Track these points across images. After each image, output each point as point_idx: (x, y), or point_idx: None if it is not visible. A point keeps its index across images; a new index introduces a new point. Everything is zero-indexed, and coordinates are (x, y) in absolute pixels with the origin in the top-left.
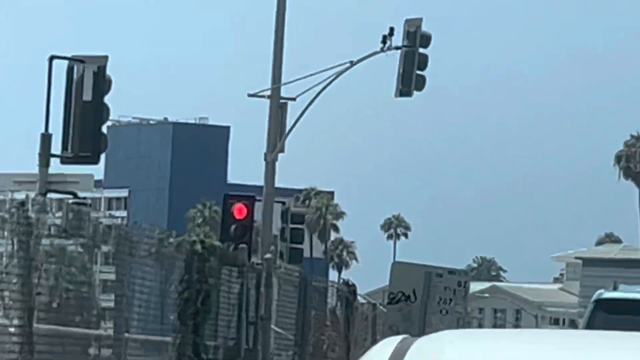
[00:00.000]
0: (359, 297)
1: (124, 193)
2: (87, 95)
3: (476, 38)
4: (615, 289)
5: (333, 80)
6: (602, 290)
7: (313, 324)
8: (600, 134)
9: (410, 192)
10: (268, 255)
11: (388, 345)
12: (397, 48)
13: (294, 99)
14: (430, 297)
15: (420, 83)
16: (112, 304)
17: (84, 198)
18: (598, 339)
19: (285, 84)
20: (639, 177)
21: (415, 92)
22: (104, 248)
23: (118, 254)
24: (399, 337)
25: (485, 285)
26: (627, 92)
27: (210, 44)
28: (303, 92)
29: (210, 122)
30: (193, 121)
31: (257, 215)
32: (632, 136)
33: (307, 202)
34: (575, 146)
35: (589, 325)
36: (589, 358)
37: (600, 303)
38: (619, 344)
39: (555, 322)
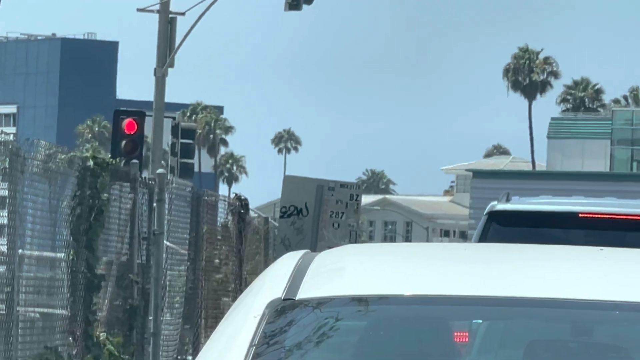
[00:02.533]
0: (250, 211)
1: (12, 109)
2: None
3: None
4: (508, 200)
5: None
6: (495, 202)
7: (206, 239)
8: (489, 47)
9: (300, 107)
10: (160, 170)
11: (290, 260)
12: None
13: (183, 14)
14: (322, 211)
15: None
16: (4, 221)
17: None
18: (495, 250)
19: None
20: (527, 90)
21: (304, 5)
22: None
23: (9, 170)
24: (300, 252)
25: (376, 197)
26: (514, 5)
27: None
28: (192, 7)
29: (99, 38)
30: (81, 37)
31: (147, 131)
32: (519, 49)
33: (193, 117)
34: (465, 58)
35: (482, 238)
36: (489, 270)
37: (493, 215)
38: (514, 256)
39: (446, 234)
